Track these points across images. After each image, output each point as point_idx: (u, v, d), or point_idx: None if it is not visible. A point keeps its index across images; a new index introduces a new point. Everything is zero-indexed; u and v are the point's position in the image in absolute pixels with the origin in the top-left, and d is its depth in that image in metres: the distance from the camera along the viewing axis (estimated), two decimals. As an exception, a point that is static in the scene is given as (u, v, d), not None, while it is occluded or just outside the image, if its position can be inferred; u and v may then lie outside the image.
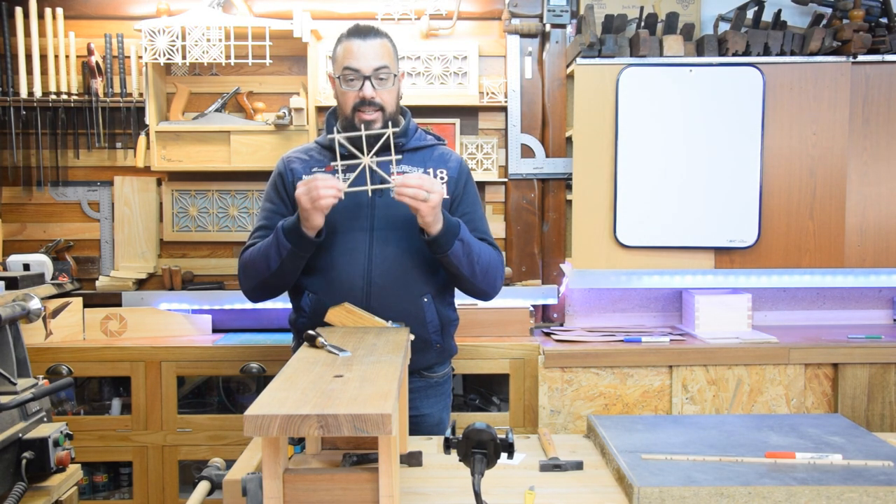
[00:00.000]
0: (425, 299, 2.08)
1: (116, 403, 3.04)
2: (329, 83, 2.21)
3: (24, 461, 1.62)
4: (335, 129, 2.06)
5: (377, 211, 2.05)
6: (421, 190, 1.84)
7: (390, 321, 1.89)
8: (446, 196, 2.10)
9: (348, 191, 1.88)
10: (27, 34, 3.11)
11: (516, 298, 3.10)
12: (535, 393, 2.81)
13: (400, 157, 1.90)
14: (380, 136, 1.90)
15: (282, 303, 3.12)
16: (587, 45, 2.89)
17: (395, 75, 2.05)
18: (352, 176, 1.90)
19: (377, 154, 1.91)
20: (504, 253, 3.28)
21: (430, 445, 1.82)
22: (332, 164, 1.95)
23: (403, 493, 1.52)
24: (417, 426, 2.11)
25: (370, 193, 1.91)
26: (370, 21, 3.21)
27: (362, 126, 1.96)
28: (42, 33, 3.11)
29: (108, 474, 3.05)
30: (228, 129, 3.10)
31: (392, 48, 2.07)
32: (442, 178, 2.12)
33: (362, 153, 1.90)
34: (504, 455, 1.38)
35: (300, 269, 2.04)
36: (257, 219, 2.17)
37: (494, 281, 2.11)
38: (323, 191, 1.84)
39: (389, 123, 1.95)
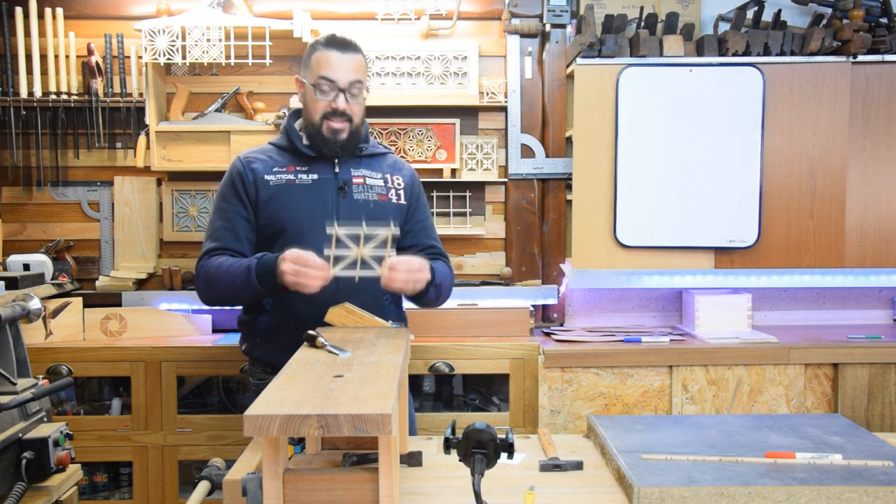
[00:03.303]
0: (386, 299, 2.17)
1: (116, 403, 3.04)
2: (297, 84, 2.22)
3: (24, 461, 1.62)
4: (336, 225, 2.05)
5: (342, 213, 2.10)
6: (408, 284, 1.94)
7: (390, 321, 1.89)
8: (403, 202, 2.22)
9: (337, 275, 1.87)
10: (27, 34, 3.11)
11: (516, 298, 3.10)
12: (535, 393, 2.81)
13: (394, 254, 1.91)
14: (376, 234, 1.88)
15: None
16: (587, 45, 2.89)
17: (366, 90, 2.14)
18: (341, 264, 1.87)
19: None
20: (505, 253, 3.29)
21: (430, 445, 1.82)
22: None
23: (403, 493, 1.52)
24: None
25: (357, 279, 1.89)
26: (370, 22, 3.22)
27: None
28: (42, 33, 3.11)
29: (108, 474, 3.05)
30: (228, 129, 3.11)
31: (365, 64, 2.16)
32: (398, 185, 2.22)
33: (357, 242, 1.87)
34: (504, 455, 1.38)
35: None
36: (213, 219, 2.16)
37: (448, 295, 2.23)
38: (313, 281, 1.86)
39: (391, 224, 1.92)
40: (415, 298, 2.11)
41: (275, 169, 2.14)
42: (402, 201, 2.22)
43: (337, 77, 2.06)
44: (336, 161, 2.15)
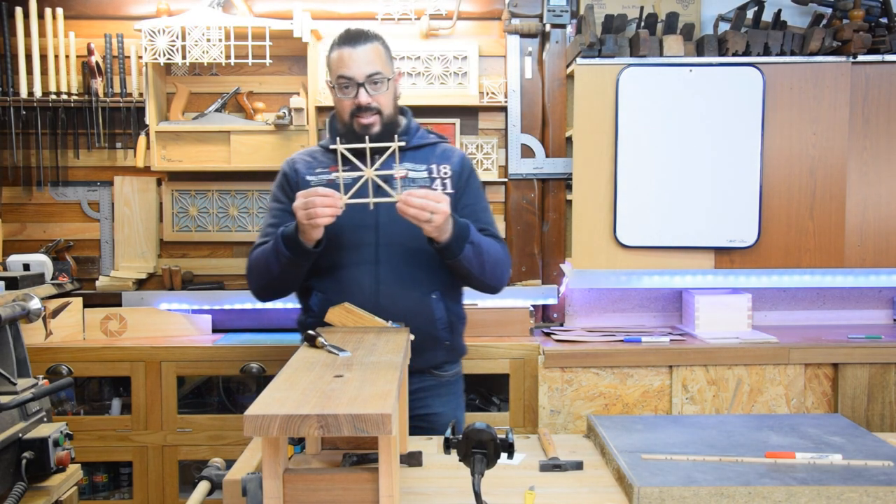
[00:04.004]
0: (434, 296, 2.08)
1: (116, 403, 3.04)
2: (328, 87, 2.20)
3: (24, 461, 1.62)
4: (336, 138, 2.05)
5: (381, 209, 2.03)
6: (424, 211, 1.83)
7: (390, 321, 1.89)
8: (450, 190, 2.10)
9: (349, 202, 1.86)
10: (27, 34, 3.11)
11: (516, 298, 3.10)
12: (535, 393, 2.81)
13: (404, 173, 1.88)
14: (385, 148, 1.85)
15: (282, 303, 3.11)
16: (587, 45, 2.89)
17: (389, 78, 2.05)
18: (353, 188, 1.87)
19: (380, 164, 1.87)
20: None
21: (430, 445, 1.82)
22: (334, 170, 1.93)
23: (403, 493, 1.52)
24: (433, 425, 2.11)
25: (372, 207, 1.88)
26: (370, 22, 3.22)
27: (364, 132, 1.95)
28: (42, 33, 3.11)
29: (108, 474, 3.05)
30: (228, 129, 3.10)
31: (384, 50, 2.07)
32: (445, 174, 2.12)
33: (365, 163, 1.86)
34: (504, 455, 1.38)
35: (302, 274, 2.04)
36: (266, 217, 2.18)
37: (502, 275, 2.12)
38: (320, 209, 1.83)
39: (396, 137, 1.91)
40: (447, 254, 1.94)
41: (317, 170, 2.12)
42: (449, 190, 2.10)
43: (352, 73, 2.01)
44: (377, 157, 2.09)
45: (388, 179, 1.89)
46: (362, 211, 2.03)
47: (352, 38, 2.04)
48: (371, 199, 1.86)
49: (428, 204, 1.83)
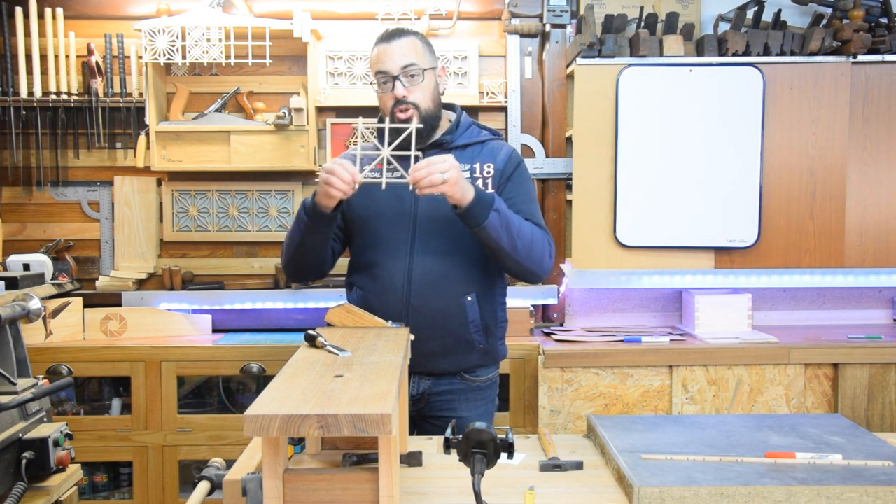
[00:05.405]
0: (469, 298, 2.06)
1: (116, 403, 3.04)
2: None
3: (24, 461, 1.62)
4: (360, 117, 2.06)
5: (420, 208, 2.03)
6: (433, 175, 1.81)
7: (390, 321, 1.89)
8: (490, 190, 2.07)
9: (363, 181, 1.87)
10: (27, 34, 3.11)
11: (516, 298, 3.09)
12: (535, 393, 2.81)
13: (420, 154, 1.87)
14: (404, 129, 1.85)
15: (281, 303, 3.13)
16: (587, 45, 2.89)
17: (425, 70, 2.03)
18: (369, 166, 1.88)
19: (407, 150, 1.85)
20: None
21: (430, 445, 1.82)
22: (353, 149, 1.95)
23: (403, 493, 1.52)
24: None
25: (384, 187, 1.87)
26: (369, 22, 3.22)
27: (386, 121, 1.95)
28: (42, 33, 3.11)
29: (108, 474, 3.05)
30: (228, 129, 3.10)
31: (421, 45, 2.06)
32: (488, 173, 2.09)
33: (405, 148, 1.86)
34: (504, 455, 1.38)
35: (320, 245, 2.05)
36: None
37: (541, 259, 2.04)
38: (336, 182, 1.85)
39: (414, 120, 1.91)
40: (471, 219, 1.89)
41: (365, 166, 2.12)
42: (489, 190, 2.06)
43: (387, 67, 2.01)
44: (421, 155, 2.02)
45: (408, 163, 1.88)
46: (401, 209, 2.04)
47: (388, 35, 2.05)
48: (384, 180, 1.85)
49: (433, 167, 1.82)
